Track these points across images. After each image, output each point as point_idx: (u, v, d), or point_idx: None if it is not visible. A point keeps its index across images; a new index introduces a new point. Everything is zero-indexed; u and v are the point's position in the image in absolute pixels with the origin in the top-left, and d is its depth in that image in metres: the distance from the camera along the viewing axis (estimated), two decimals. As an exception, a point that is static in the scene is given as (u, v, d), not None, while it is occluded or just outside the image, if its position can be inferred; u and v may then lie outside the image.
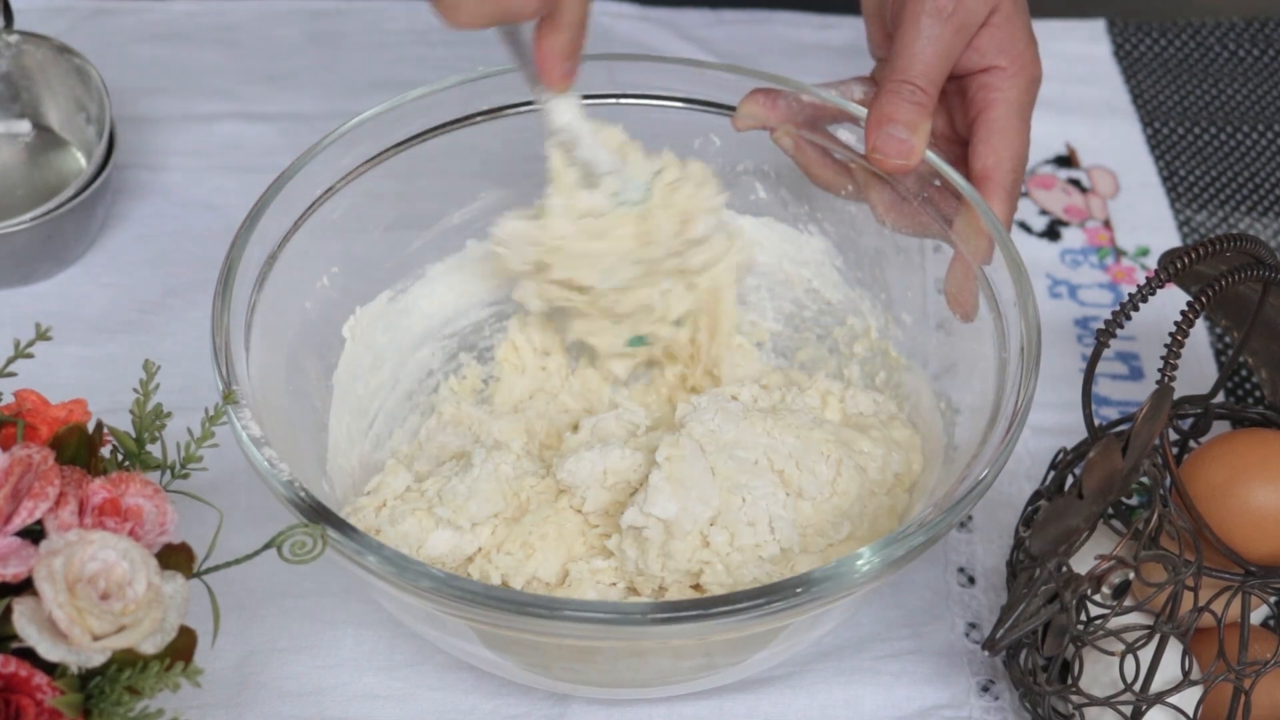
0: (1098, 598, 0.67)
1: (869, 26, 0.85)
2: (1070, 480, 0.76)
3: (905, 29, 0.78)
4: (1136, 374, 0.93)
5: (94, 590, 0.59)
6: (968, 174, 0.79)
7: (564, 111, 0.76)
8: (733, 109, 0.83)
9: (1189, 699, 0.70)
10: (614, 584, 0.75)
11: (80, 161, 0.97)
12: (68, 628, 0.57)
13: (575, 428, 0.81)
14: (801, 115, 0.82)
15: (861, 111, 0.80)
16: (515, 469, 0.76)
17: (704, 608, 0.63)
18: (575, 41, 0.72)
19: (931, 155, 0.79)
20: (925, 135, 0.78)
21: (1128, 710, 0.70)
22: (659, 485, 0.72)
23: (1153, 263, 1.00)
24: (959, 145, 0.83)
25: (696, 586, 0.74)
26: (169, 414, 0.67)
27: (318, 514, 0.65)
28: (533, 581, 0.75)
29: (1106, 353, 0.93)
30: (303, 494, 0.66)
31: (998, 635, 0.67)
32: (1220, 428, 0.79)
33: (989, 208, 0.77)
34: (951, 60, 0.79)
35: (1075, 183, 1.05)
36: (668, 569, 0.72)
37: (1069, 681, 0.71)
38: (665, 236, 0.78)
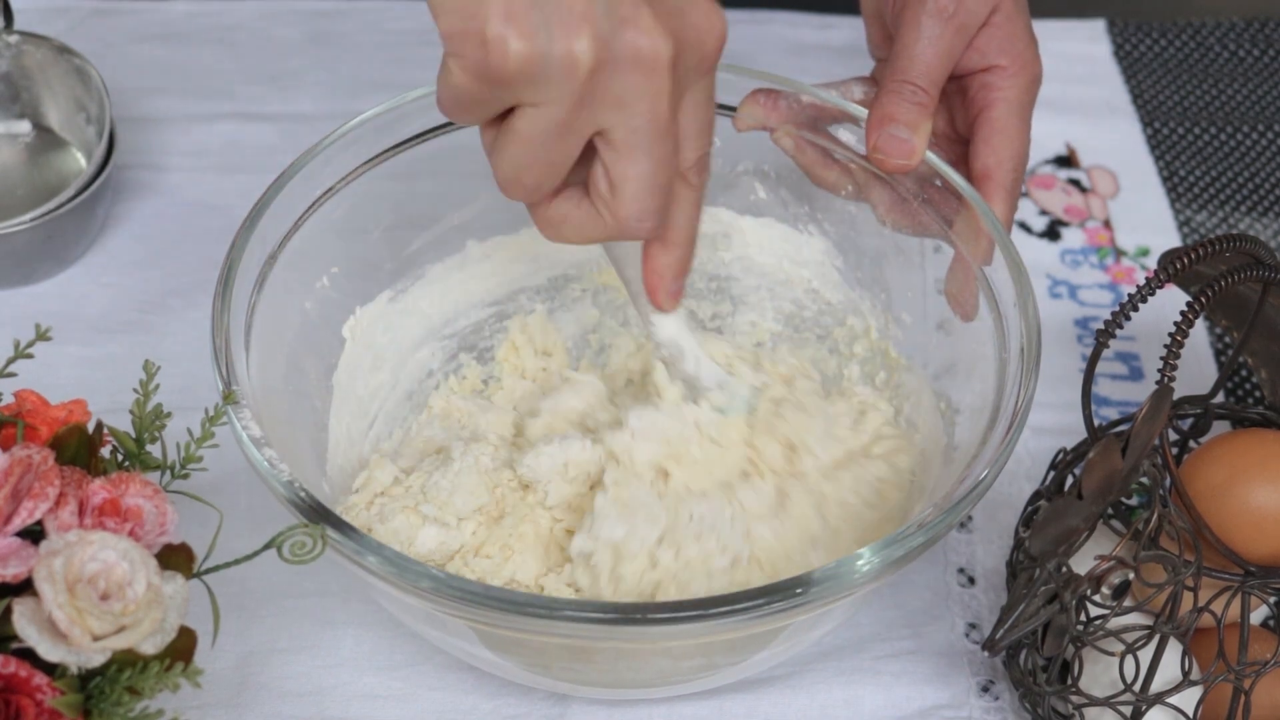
0: (1097, 598, 0.67)
1: (868, 27, 0.85)
2: (1070, 480, 0.76)
3: (906, 30, 0.78)
4: (1136, 374, 0.93)
5: (94, 590, 0.59)
6: (968, 173, 0.79)
7: (669, 326, 0.73)
8: (733, 109, 0.83)
9: (1189, 699, 0.70)
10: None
11: (80, 161, 0.97)
12: (68, 628, 0.57)
13: (533, 412, 0.80)
14: (802, 116, 0.82)
15: (862, 112, 0.80)
16: (494, 460, 0.77)
17: (704, 608, 0.63)
18: (685, 261, 0.68)
19: (932, 156, 0.79)
20: (926, 135, 0.78)
21: (1128, 710, 0.70)
22: (605, 509, 0.72)
23: (1153, 263, 1.00)
24: (959, 144, 0.83)
25: None
26: (169, 414, 0.67)
27: (318, 514, 0.65)
28: (512, 583, 0.75)
29: (1106, 353, 0.93)
30: (303, 494, 0.66)
31: (998, 635, 0.67)
32: (1220, 428, 0.79)
33: (989, 208, 0.77)
34: (952, 61, 0.79)
35: (1075, 183, 1.05)
36: (620, 593, 0.72)
37: (1069, 682, 0.71)
38: (770, 459, 0.75)
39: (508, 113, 0.61)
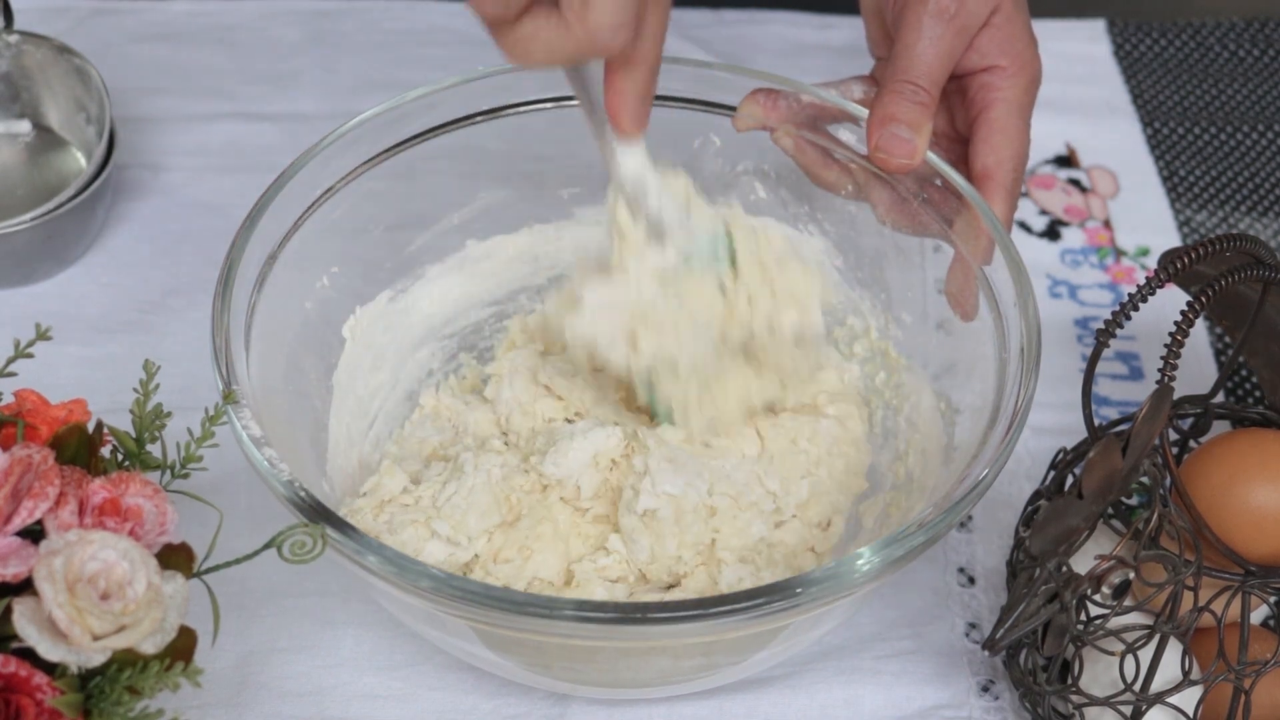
0: (1098, 598, 0.67)
1: (868, 25, 0.85)
2: (1070, 480, 0.76)
3: (907, 30, 0.78)
4: (1136, 374, 0.93)
5: (94, 590, 0.59)
6: (968, 173, 0.80)
7: (633, 159, 0.72)
8: (733, 109, 0.83)
9: (1189, 699, 0.70)
10: (619, 579, 0.75)
11: (80, 161, 0.97)
12: (68, 628, 0.57)
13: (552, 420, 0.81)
14: (801, 115, 0.82)
15: (862, 111, 0.80)
16: (504, 468, 0.76)
17: (704, 608, 0.63)
18: (649, 82, 0.68)
19: (932, 155, 0.79)
20: (927, 136, 0.78)
21: (1128, 710, 0.70)
22: (660, 466, 0.73)
23: (1153, 263, 1.00)
24: (959, 144, 0.83)
25: (707, 563, 0.74)
26: (169, 414, 0.67)
27: (318, 514, 0.65)
28: (535, 583, 0.75)
29: (1106, 353, 0.93)
30: (303, 494, 0.66)
31: (998, 635, 0.67)
32: (1220, 428, 0.79)
33: (989, 208, 0.77)
34: (953, 61, 0.79)
35: (1075, 183, 1.05)
36: (684, 544, 0.73)
37: (1069, 681, 0.71)
38: (754, 316, 0.75)
39: None
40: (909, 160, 0.78)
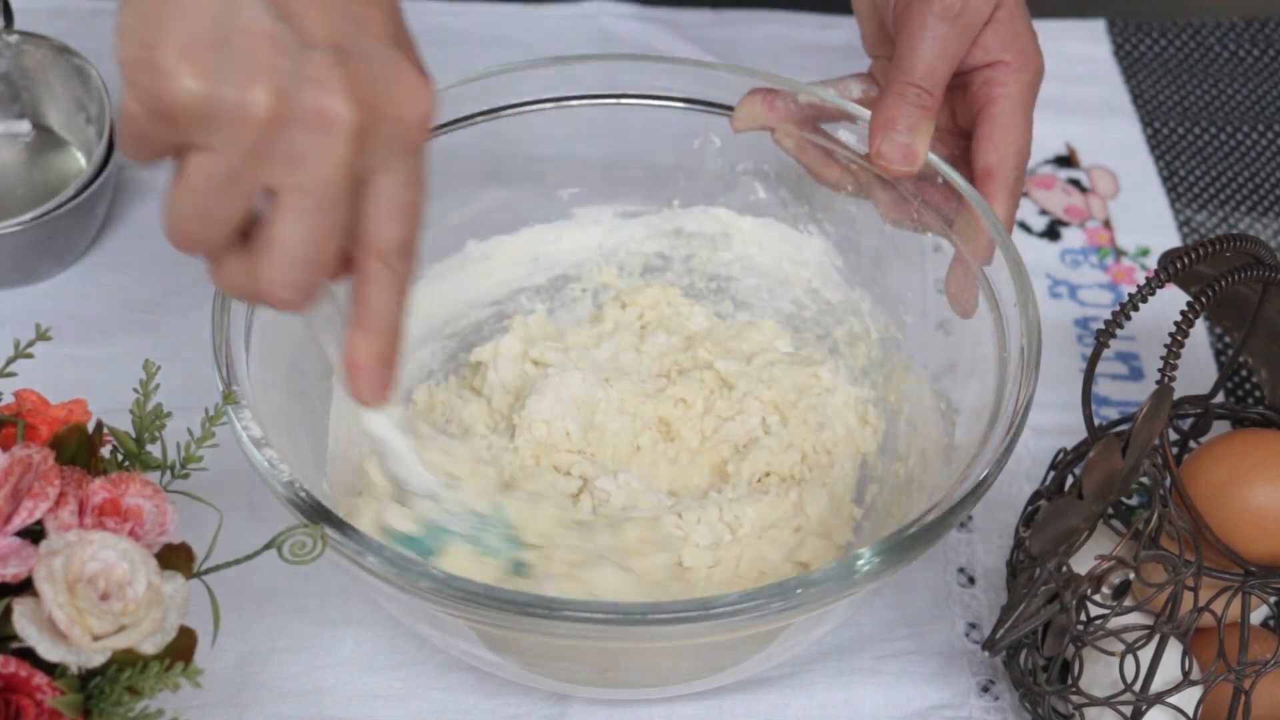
0: (1098, 598, 0.67)
1: (862, 25, 0.85)
2: (1070, 480, 0.76)
3: (911, 29, 0.78)
4: (1136, 374, 0.93)
5: (94, 590, 0.59)
6: (969, 169, 0.79)
7: (374, 423, 0.66)
8: (732, 109, 0.83)
9: (1189, 699, 0.70)
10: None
11: (80, 161, 0.97)
12: (68, 628, 0.57)
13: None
14: (800, 115, 0.82)
15: (861, 111, 0.80)
16: (490, 449, 0.77)
17: (704, 608, 0.63)
18: (387, 352, 0.62)
19: (933, 156, 0.78)
20: (928, 139, 0.78)
21: (1128, 710, 0.70)
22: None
23: (1153, 263, 1.00)
24: (962, 139, 0.83)
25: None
26: (169, 414, 0.67)
27: (317, 514, 0.65)
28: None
29: (1106, 353, 0.93)
30: (302, 494, 0.66)
31: (998, 635, 0.67)
32: (1220, 428, 0.79)
33: (990, 208, 0.77)
34: (957, 60, 0.79)
35: (1075, 183, 1.05)
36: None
37: (1069, 681, 0.71)
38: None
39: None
40: (909, 164, 0.78)
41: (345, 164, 0.56)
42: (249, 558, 0.65)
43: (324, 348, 0.64)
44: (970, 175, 0.79)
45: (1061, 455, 0.76)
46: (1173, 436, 0.79)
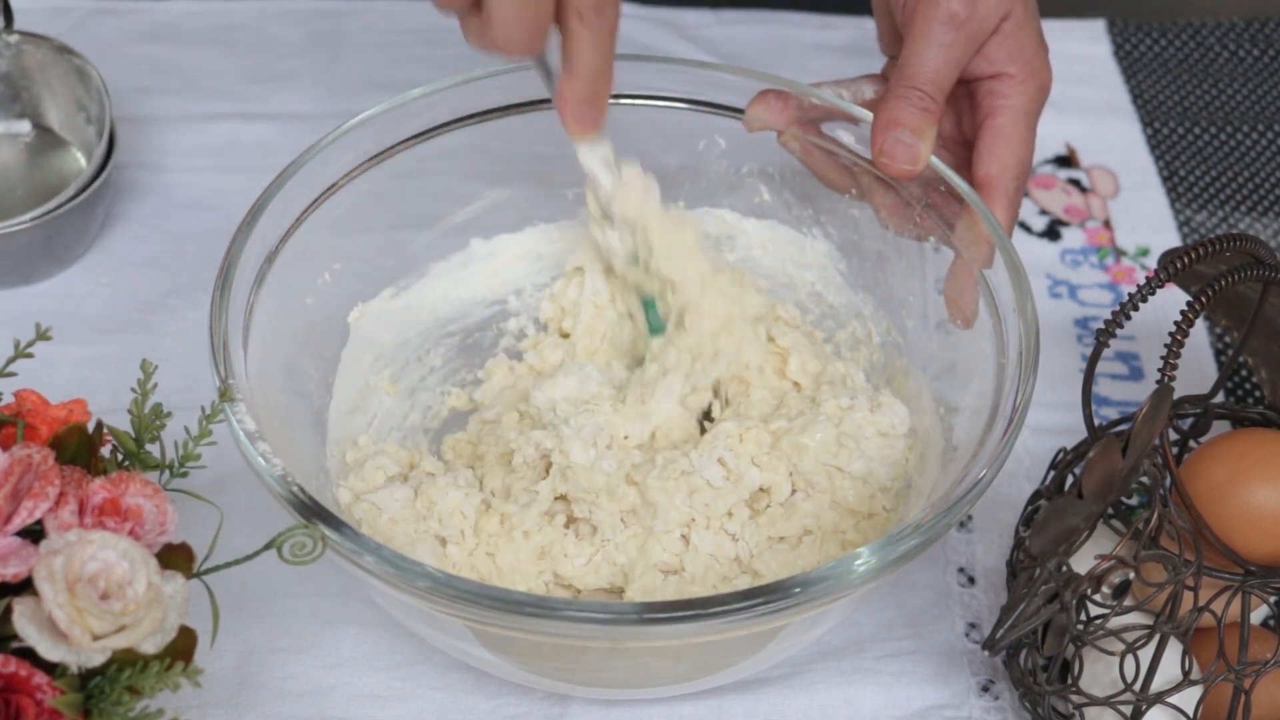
0: (1098, 598, 0.67)
1: (879, 22, 0.85)
2: (1070, 480, 0.76)
3: (916, 34, 0.78)
4: (1136, 374, 0.93)
5: (94, 590, 0.59)
6: (971, 178, 0.79)
7: (585, 156, 0.78)
8: (738, 110, 0.83)
9: (1189, 699, 0.70)
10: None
11: (80, 161, 0.97)
12: (68, 628, 0.57)
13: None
14: (810, 117, 0.82)
15: (868, 115, 0.80)
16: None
17: (701, 608, 0.63)
18: (589, 92, 0.73)
19: (935, 160, 0.78)
20: (931, 142, 0.78)
21: (1128, 710, 0.70)
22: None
23: (1153, 263, 1.00)
24: (965, 148, 0.83)
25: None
26: (169, 414, 0.67)
27: (311, 510, 0.65)
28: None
29: (1106, 353, 0.93)
30: (295, 489, 0.66)
31: (998, 635, 0.67)
32: (1220, 428, 0.79)
33: (991, 213, 0.77)
34: (960, 67, 0.79)
35: (1075, 183, 1.05)
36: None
37: (1069, 681, 0.71)
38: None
39: None
40: (911, 166, 0.78)
41: None
42: (249, 558, 0.65)
43: (547, 91, 0.75)
44: (970, 184, 0.79)
45: (1061, 455, 0.76)
46: (1173, 436, 0.79)
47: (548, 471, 0.78)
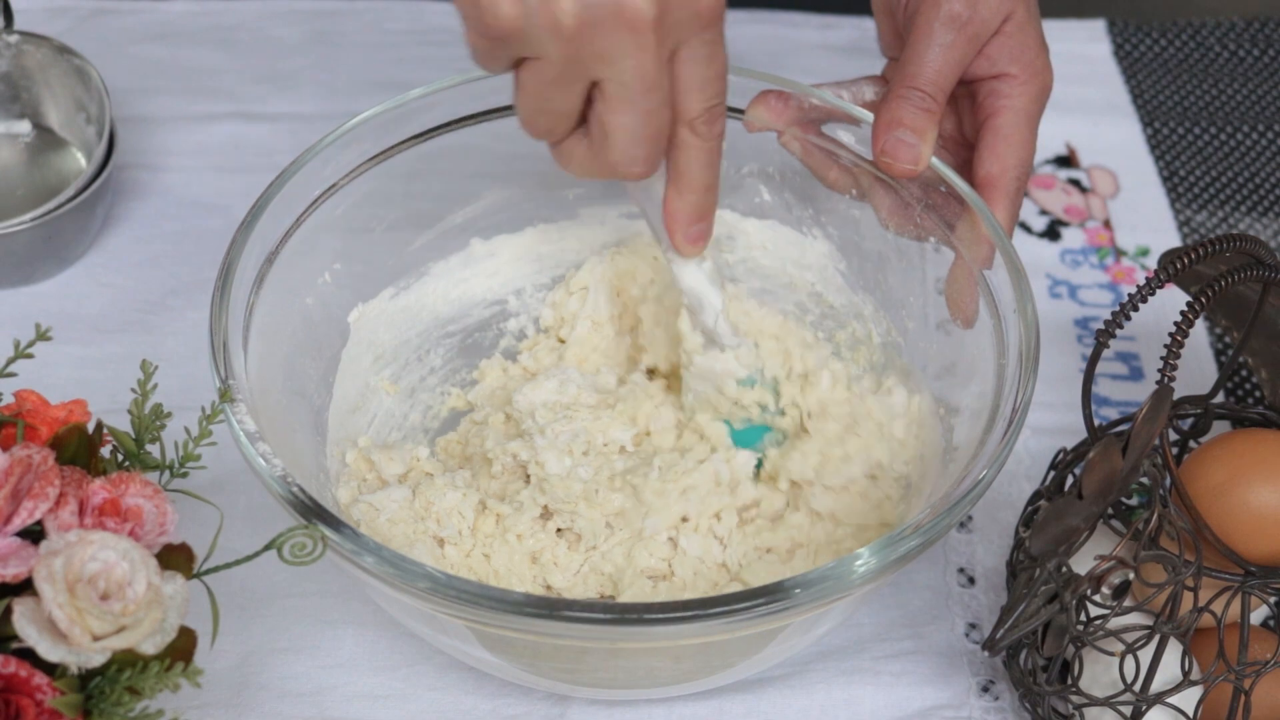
0: (1098, 598, 0.67)
1: (879, 23, 0.85)
2: (1070, 480, 0.76)
3: (918, 35, 0.78)
4: (1136, 374, 0.93)
5: (94, 590, 0.59)
6: (972, 179, 0.79)
7: (688, 274, 0.74)
8: (738, 110, 0.83)
9: (1189, 699, 0.70)
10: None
11: (80, 161, 0.97)
12: (68, 628, 0.57)
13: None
14: (810, 118, 0.82)
15: (868, 115, 0.80)
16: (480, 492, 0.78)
17: (701, 608, 0.63)
18: (700, 207, 0.70)
19: (936, 161, 0.78)
20: (932, 142, 0.78)
21: (1128, 710, 0.70)
22: None
23: (1153, 263, 1.00)
24: (966, 149, 0.83)
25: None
26: (169, 414, 0.67)
27: (311, 510, 0.65)
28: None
29: (1106, 353, 0.93)
30: (295, 489, 0.66)
31: (998, 635, 0.67)
32: (1220, 428, 0.79)
33: (991, 214, 0.77)
34: (962, 68, 0.79)
35: (1075, 183, 1.05)
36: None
37: (1069, 681, 0.71)
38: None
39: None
40: (913, 166, 0.78)
41: (652, 51, 0.63)
42: (249, 558, 0.65)
43: (645, 214, 0.72)
44: (971, 184, 0.79)
45: (1061, 455, 0.76)
46: (1173, 436, 0.79)
47: (528, 480, 0.78)
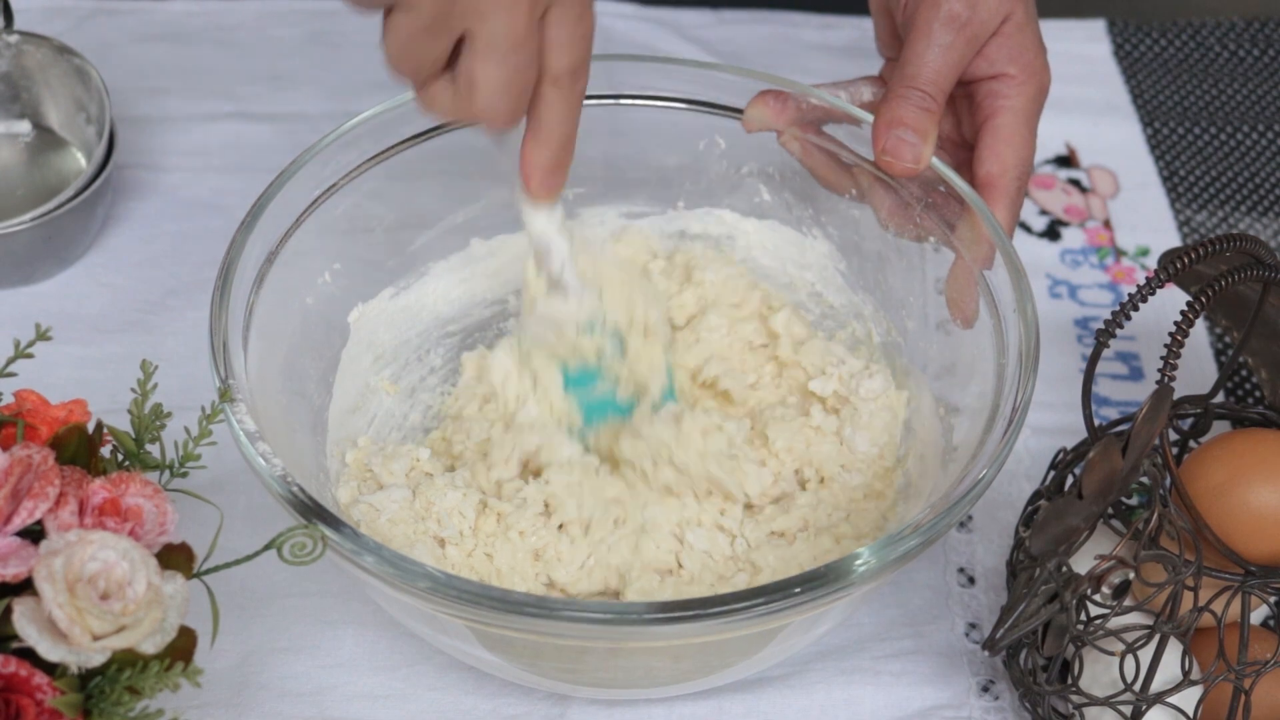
0: (1098, 598, 0.67)
1: (877, 24, 0.85)
2: (1070, 480, 0.76)
3: (917, 35, 0.78)
4: (1136, 374, 0.93)
5: (94, 590, 0.59)
6: (971, 179, 0.79)
7: (538, 221, 0.75)
8: (737, 110, 0.83)
9: (1189, 699, 0.70)
10: None
11: (80, 161, 0.97)
12: (68, 628, 0.57)
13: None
14: (809, 118, 0.82)
15: (868, 116, 0.80)
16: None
17: (701, 608, 0.63)
18: (556, 159, 0.71)
19: (936, 161, 0.78)
20: (933, 142, 0.78)
21: (1128, 710, 0.70)
22: None
23: (1153, 263, 1.00)
24: (965, 150, 0.83)
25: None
26: (169, 414, 0.67)
27: (310, 510, 0.65)
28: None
29: (1106, 353, 0.93)
30: (295, 489, 0.66)
31: (998, 635, 0.67)
32: (1220, 428, 0.79)
33: (992, 214, 0.77)
34: (961, 68, 0.79)
35: (1075, 183, 1.05)
36: None
37: (1069, 681, 0.71)
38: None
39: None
40: (915, 165, 0.78)
41: (524, 9, 0.64)
42: (249, 558, 0.65)
43: (503, 157, 0.72)
44: (971, 184, 0.79)
45: (1061, 455, 0.77)
46: (1173, 436, 0.79)
47: (527, 468, 0.78)
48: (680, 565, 0.76)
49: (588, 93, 0.81)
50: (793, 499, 0.78)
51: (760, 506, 0.78)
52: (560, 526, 0.76)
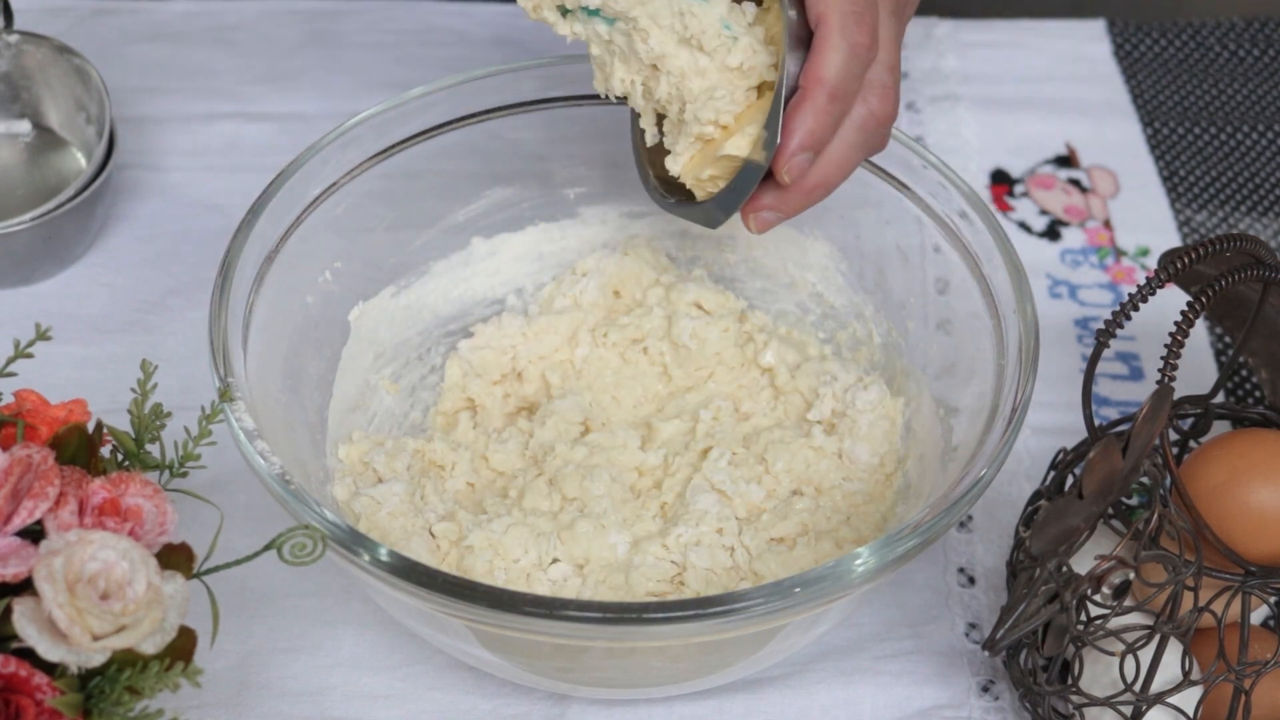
0: (1098, 598, 0.67)
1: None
2: (1070, 480, 0.76)
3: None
4: (1136, 374, 0.93)
5: (94, 590, 0.59)
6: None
7: None
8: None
9: (1189, 699, 0.70)
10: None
11: (80, 161, 0.97)
12: (68, 628, 0.57)
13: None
14: None
15: None
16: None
17: (701, 607, 0.63)
18: None
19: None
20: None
21: (1128, 710, 0.70)
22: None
23: (1153, 263, 1.00)
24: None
25: None
26: (169, 414, 0.67)
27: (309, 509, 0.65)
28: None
29: (1106, 353, 0.93)
30: (294, 488, 0.66)
31: (998, 635, 0.67)
32: (1220, 428, 0.79)
33: (990, 212, 0.77)
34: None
35: (1075, 183, 1.05)
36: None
37: (1069, 681, 0.71)
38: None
39: None
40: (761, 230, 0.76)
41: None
42: (249, 558, 0.65)
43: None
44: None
45: (1061, 455, 0.77)
46: (1173, 436, 0.79)
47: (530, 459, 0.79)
48: (683, 584, 0.76)
49: (586, 91, 0.81)
50: (791, 504, 0.78)
51: (755, 515, 0.78)
52: (560, 525, 0.76)
